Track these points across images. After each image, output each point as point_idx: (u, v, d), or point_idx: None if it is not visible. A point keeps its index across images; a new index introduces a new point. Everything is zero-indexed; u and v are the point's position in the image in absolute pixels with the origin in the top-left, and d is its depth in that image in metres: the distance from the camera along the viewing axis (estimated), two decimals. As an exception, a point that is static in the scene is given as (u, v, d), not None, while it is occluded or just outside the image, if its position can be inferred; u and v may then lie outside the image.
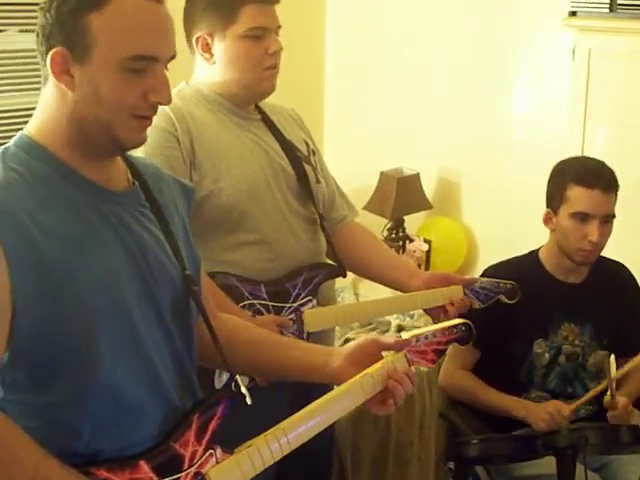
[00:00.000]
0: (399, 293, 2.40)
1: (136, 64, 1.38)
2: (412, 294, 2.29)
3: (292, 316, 2.12)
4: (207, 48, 2.16)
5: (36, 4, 1.46)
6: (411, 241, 3.94)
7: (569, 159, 2.67)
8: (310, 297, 2.17)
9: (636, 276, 2.71)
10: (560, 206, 2.52)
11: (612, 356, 2.40)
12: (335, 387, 1.60)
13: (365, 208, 3.88)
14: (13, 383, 1.35)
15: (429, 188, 4.02)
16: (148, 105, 1.41)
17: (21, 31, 3.38)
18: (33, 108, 1.48)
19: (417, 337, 1.66)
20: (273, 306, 2.12)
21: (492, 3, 3.73)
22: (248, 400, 1.50)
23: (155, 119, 1.46)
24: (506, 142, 3.76)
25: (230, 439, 1.43)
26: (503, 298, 2.32)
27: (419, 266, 3.84)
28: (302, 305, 2.15)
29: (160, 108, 1.45)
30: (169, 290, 1.50)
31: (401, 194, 3.90)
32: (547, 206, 2.58)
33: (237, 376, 1.56)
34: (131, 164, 1.54)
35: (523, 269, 2.59)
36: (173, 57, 1.44)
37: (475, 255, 3.97)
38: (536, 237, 2.67)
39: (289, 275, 2.16)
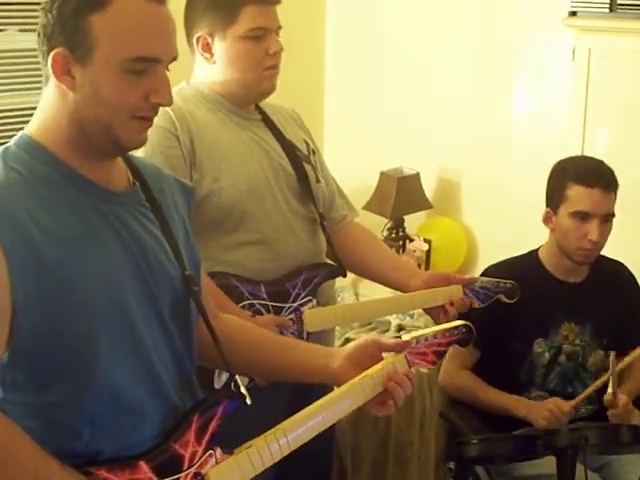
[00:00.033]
0: (399, 293, 2.40)
1: (137, 65, 1.38)
2: (412, 294, 2.29)
3: (292, 316, 2.12)
4: (207, 48, 2.16)
5: (36, 3, 1.46)
6: (411, 241, 3.94)
7: (569, 158, 2.67)
8: (310, 297, 2.17)
9: (636, 275, 2.71)
10: (560, 205, 2.52)
11: (613, 354, 2.40)
12: (335, 388, 1.60)
13: (365, 208, 3.87)
14: (13, 383, 1.35)
15: (429, 188, 4.02)
16: (149, 106, 1.41)
17: (21, 30, 3.37)
18: (33, 108, 1.48)
19: (417, 339, 1.66)
20: (273, 306, 2.11)
21: (492, 3, 3.73)
22: (248, 400, 1.50)
23: (155, 118, 1.46)
24: (506, 142, 3.76)
25: (230, 439, 1.43)
26: (503, 298, 2.32)
27: (419, 266, 3.84)
28: (302, 305, 2.15)
29: (160, 108, 1.45)
30: (169, 290, 1.50)
31: (401, 194, 3.90)
32: (547, 205, 2.59)
33: (236, 376, 1.56)
34: (132, 164, 1.54)
35: (523, 269, 2.59)
36: (175, 58, 1.44)
37: (475, 255, 3.97)
38: (536, 237, 2.67)
39: (289, 275, 2.16)
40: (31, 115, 1.46)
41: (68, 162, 1.42)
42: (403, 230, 4.02)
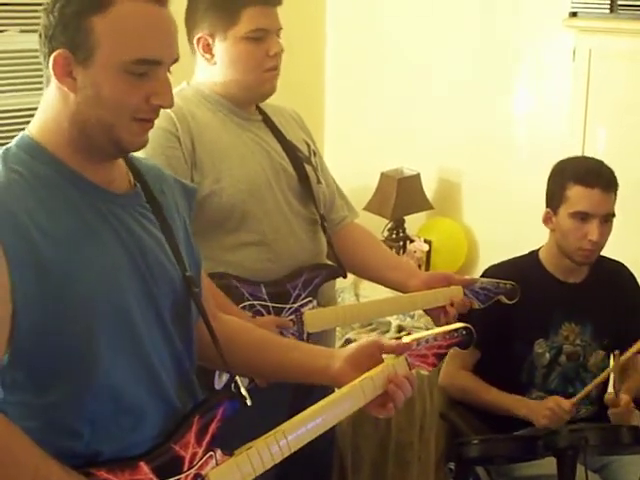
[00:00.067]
0: (399, 294, 2.40)
1: (139, 67, 1.38)
2: (412, 294, 2.29)
3: (292, 317, 2.12)
4: (208, 49, 2.16)
5: (37, 4, 1.46)
6: (411, 241, 3.94)
7: (568, 159, 2.67)
8: (310, 298, 2.17)
9: (636, 275, 2.71)
10: (560, 206, 2.52)
11: (617, 352, 2.40)
12: (335, 389, 1.60)
13: (365, 209, 3.88)
14: (13, 383, 1.36)
15: (429, 188, 4.02)
16: (150, 108, 1.41)
17: (22, 31, 3.38)
18: (34, 108, 1.48)
19: (418, 341, 1.66)
20: (273, 307, 2.11)
21: (493, 4, 3.73)
22: (248, 401, 1.50)
23: (156, 119, 1.46)
24: (507, 142, 3.77)
25: (231, 440, 1.43)
26: (503, 298, 2.33)
27: (419, 266, 3.84)
28: (302, 306, 2.15)
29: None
30: (169, 291, 1.50)
31: (401, 194, 3.90)
32: (547, 206, 2.59)
33: (237, 377, 1.56)
34: (133, 165, 1.54)
35: (523, 269, 2.59)
36: (176, 60, 1.44)
37: (475, 255, 3.97)
38: (536, 237, 2.67)
39: (289, 276, 2.16)
40: (32, 116, 1.47)
41: (69, 163, 1.42)
42: (403, 231, 4.02)
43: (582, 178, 2.49)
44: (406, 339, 1.67)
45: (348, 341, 3.29)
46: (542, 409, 2.43)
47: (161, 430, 1.43)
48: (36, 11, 1.45)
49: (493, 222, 3.83)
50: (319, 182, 2.30)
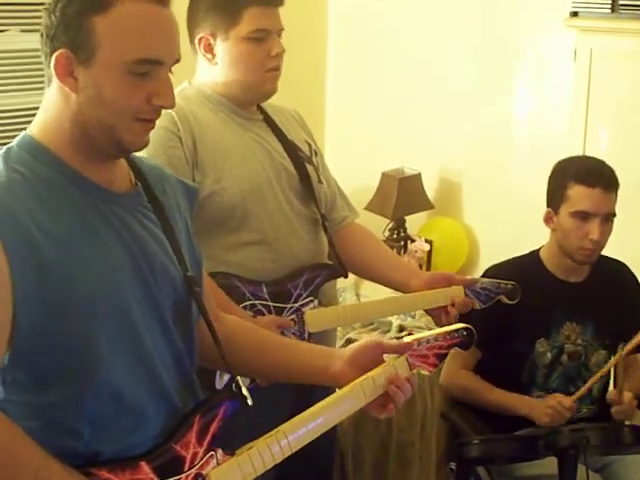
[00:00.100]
0: (400, 294, 2.40)
1: (140, 67, 1.38)
2: (413, 294, 2.29)
3: (293, 316, 2.12)
4: (209, 49, 2.16)
5: (38, 4, 1.46)
6: (412, 241, 3.94)
7: (569, 158, 2.68)
8: (311, 297, 2.17)
9: (637, 275, 2.71)
10: (561, 205, 2.52)
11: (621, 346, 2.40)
12: (336, 390, 1.60)
13: (366, 208, 3.88)
14: (13, 383, 1.36)
15: (430, 188, 4.02)
16: (152, 108, 1.41)
17: (23, 31, 3.37)
18: (35, 108, 1.48)
19: (418, 341, 1.66)
20: (274, 306, 2.11)
21: (493, 3, 3.73)
22: (249, 401, 1.50)
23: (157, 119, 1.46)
24: (507, 142, 3.77)
25: (231, 440, 1.43)
26: (504, 299, 2.33)
27: (420, 266, 3.84)
28: (303, 305, 2.15)
29: (163, 109, 1.45)
30: (170, 291, 1.50)
31: (402, 194, 3.90)
32: (547, 205, 2.59)
33: (238, 377, 1.55)
34: (134, 165, 1.54)
35: (524, 269, 2.60)
36: (177, 61, 1.44)
37: (476, 255, 3.97)
38: (537, 237, 2.67)
39: (290, 275, 2.16)
40: (33, 116, 1.47)
41: (70, 163, 1.42)
42: (404, 230, 4.02)
43: (583, 178, 2.49)
44: (407, 339, 1.67)
45: (349, 341, 3.29)
46: (543, 407, 2.44)
47: (162, 430, 1.43)
48: (37, 11, 1.45)
49: (494, 222, 3.83)
50: (320, 182, 2.30)
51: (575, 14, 3.43)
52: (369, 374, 1.58)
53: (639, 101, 3.26)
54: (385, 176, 3.98)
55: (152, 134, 1.47)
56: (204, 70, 2.20)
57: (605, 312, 2.59)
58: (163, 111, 1.45)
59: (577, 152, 3.29)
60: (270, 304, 2.11)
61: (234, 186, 2.11)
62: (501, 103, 3.77)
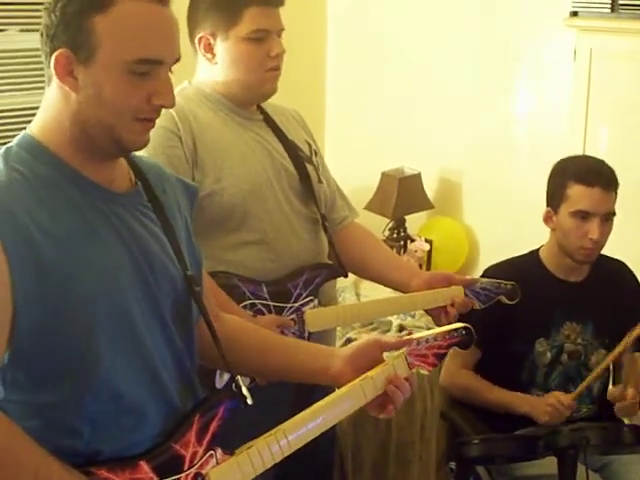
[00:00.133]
0: (400, 293, 2.40)
1: (140, 67, 1.38)
2: (413, 294, 2.29)
3: (293, 316, 2.12)
4: (209, 48, 2.16)
5: (37, 3, 1.47)
6: (412, 241, 3.95)
7: (569, 158, 2.68)
8: (311, 297, 2.17)
9: (637, 274, 2.71)
10: (560, 205, 2.53)
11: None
12: (336, 389, 1.60)
13: (366, 208, 3.88)
14: (13, 383, 1.36)
15: (430, 188, 4.02)
16: (152, 108, 1.41)
17: (22, 30, 3.38)
18: (35, 108, 1.48)
19: (418, 340, 1.66)
20: (274, 306, 2.12)
21: (493, 3, 3.73)
22: (249, 400, 1.50)
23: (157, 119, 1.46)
24: (507, 142, 3.77)
25: (231, 439, 1.43)
26: (504, 299, 2.33)
27: (420, 266, 3.84)
28: (303, 305, 2.15)
29: (162, 108, 1.45)
30: (170, 290, 1.50)
31: (402, 194, 3.90)
32: (547, 205, 2.59)
33: (238, 376, 1.55)
34: (134, 164, 1.54)
35: (524, 268, 2.60)
36: (177, 60, 1.44)
37: (476, 255, 3.97)
38: (537, 236, 2.68)
39: (290, 275, 2.16)
40: (33, 115, 1.47)
41: (70, 163, 1.42)
42: (404, 230, 4.03)
43: (583, 177, 2.49)
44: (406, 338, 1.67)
45: (349, 340, 3.29)
46: (543, 405, 2.44)
47: (162, 430, 1.43)
48: (37, 10, 1.45)
49: (494, 221, 3.83)
50: (320, 182, 2.30)
51: (575, 14, 3.43)
52: (368, 374, 1.58)
53: (639, 101, 3.26)
54: (385, 176, 3.98)
55: (152, 133, 1.47)
56: (204, 70, 2.20)
57: (605, 311, 2.59)
58: (163, 111, 1.45)
59: (577, 152, 3.29)
60: (270, 304, 2.11)
61: (234, 186, 2.11)
62: (501, 103, 3.77)
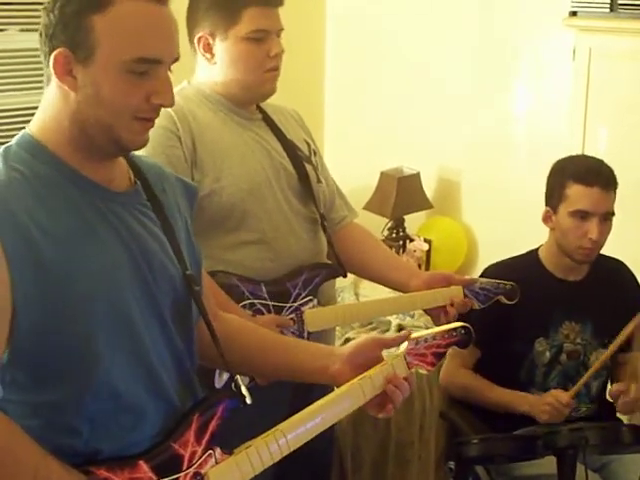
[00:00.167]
0: (399, 293, 2.40)
1: (139, 66, 1.38)
2: (412, 294, 2.29)
3: (292, 316, 2.12)
4: (208, 48, 2.16)
5: (37, 3, 1.47)
6: (411, 241, 3.95)
7: (568, 157, 2.68)
8: (310, 297, 2.17)
9: (636, 274, 2.71)
10: (559, 204, 2.53)
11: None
12: (335, 388, 1.60)
13: (365, 208, 3.88)
14: (13, 382, 1.36)
15: (429, 188, 4.02)
16: (151, 107, 1.41)
17: (22, 30, 3.38)
18: (34, 107, 1.48)
19: (417, 340, 1.66)
20: (274, 306, 2.12)
21: (492, 3, 3.73)
22: (248, 400, 1.50)
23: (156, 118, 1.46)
24: (506, 142, 3.77)
25: (230, 439, 1.43)
26: (503, 299, 2.33)
27: (419, 266, 3.84)
28: (302, 305, 2.15)
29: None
30: (170, 290, 1.50)
31: (401, 194, 3.90)
32: (546, 205, 2.59)
33: (237, 376, 1.55)
34: (133, 163, 1.54)
35: (523, 268, 2.60)
36: (177, 59, 1.44)
37: (475, 255, 3.97)
38: (536, 236, 2.68)
39: (290, 275, 2.16)
40: (32, 115, 1.47)
41: (69, 162, 1.42)
42: (403, 230, 4.03)
43: (582, 177, 2.49)
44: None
45: (348, 340, 3.28)
46: (542, 404, 2.44)
47: (161, 429, 1.43)
48: (36, 10, 1.45)
49: (493, 221, 3.83)
50: (319, 181, 2.30)
51: (574, 14, 3.43)
52: (367, 373, 1.59)
53: (638, 100, 3.26)
54: (384, 175, 3.98)
55: (151, 133, 1.47)
56: (203, 69, 2.20)
57: (604, 311, 2.59)
58: (162, 110, 1.45)
59: (576, 151, 3.29)
60: (269, 303, 2.11)
61: (233, 185, 2.11)
62: (500, 102, 3.77)
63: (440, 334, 1.69)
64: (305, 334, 2.12)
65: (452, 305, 2.24)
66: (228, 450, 1.43)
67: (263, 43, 2.13)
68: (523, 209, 3.46)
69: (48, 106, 1.43)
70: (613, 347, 2.44)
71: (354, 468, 3.17)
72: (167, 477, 1.37)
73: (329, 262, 2.29)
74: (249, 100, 2.22)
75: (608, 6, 3.32)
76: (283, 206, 2.20)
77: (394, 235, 4.01)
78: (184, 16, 2.16)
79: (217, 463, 1.41)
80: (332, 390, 1.60)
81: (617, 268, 2.70)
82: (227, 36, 2.12)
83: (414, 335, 1.67)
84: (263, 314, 2.09)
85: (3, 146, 1.43)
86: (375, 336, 1.68)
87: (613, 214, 2.51)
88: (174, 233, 1.54)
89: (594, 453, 2.37)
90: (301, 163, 2.26)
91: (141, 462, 1.37)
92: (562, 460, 2.25)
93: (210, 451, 1.41)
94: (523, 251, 2.69)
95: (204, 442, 1.41)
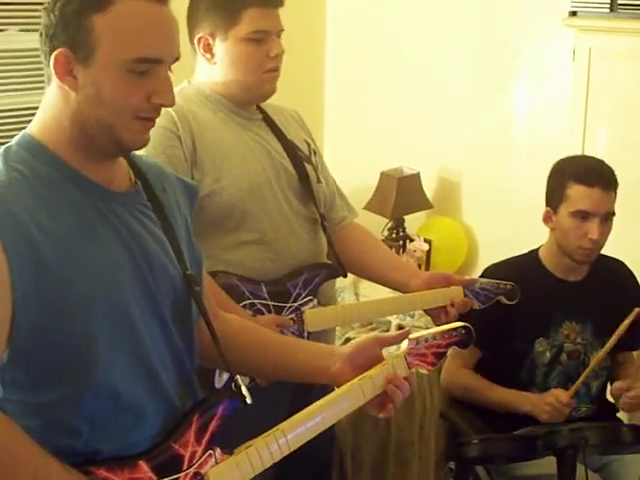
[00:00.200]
0: (399, 293, 2.40)
1: (139, 66, 1.38)
2: (412, 294, 2.29)
3: (293, 316, 2.12)
4: (208, 48, 2.16)
5: (37, 3, 1.46)
6: (411, 241, 3.94)
7: (568, 158, 2.68)
8: (311, 297, 2.17)
9: (636, 273, 2.71)
10: (560, 205, 2.53)
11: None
12: (335, 388, 1.60)
13: (365, 208, 3.88)
14: (12, 382, 1.36)
15: (429, 188, 4.02)
16: (151, 107, 1.41)
17: (22, 30, 3.37)
18: (35, 108, 1.48)
19: (417, 339, 1.66)
20: (274, 306, 2.12)
21: (492, 2, 3.73)
22: (248, 400, 1.50)
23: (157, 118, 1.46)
24: (506, 142, 3.76)
25: (230, 439, 1.43)
26: (503, 299, 2.33)
27: (419, 266, 3.84)
28: (303, 305, 2.15)
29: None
30: (170, 290, 1.50)
31: (401, 194, 3.90)
32: (547, 205, 2.59)
33: (237, 376, 1.55)
34: (134, 163, 1.55)
35: (523, 268, 2.60)
36: (177, 59, 1.44)
37: (475, 255, 3.97)
38: (536, 236, 2.68)
39: (290, 275, 2.16)
40: (33, 115, 1.47)
41: (70, 162, 1.42)
42: (403, 230, 4.02)
43: (582, 177, 2.49)
44: (404, 341, 1.67)
45: (348, 340, 3.28)
46: (542, 404, 2.44)
47: (161, 429, 1.43)
48: (36, 10, 1.45)
49: (493, 221, 3.82)
50: (319, 181, 2.30)
51: (574, 14, 3.42)
52: (368, 373, 1.59)
53: (638, 100, 3.26)
54: (384, 176, 3.98)
55: (151, 133, 1.47)
56: (203, 70, 2.20)
57: (604, 311, 2.59)
58: (162, 110, 1.45)
59: (576, 151, 3.29)
60: (269, 303, 2.11)
61: (233, 185, 2.11)
62: (500, 103, 3.76)
63: (440, 334, 1.69)
64: (305, 334, 2.12)
65: (452, 305, 2.24)
66: (228, 450, 1.43)
67: (263, 44, 2.13)
68: (523, 209, 3.46)
69: (48, 106, 1.43)
70: (610, 344, 2.43)
71: (354, 468, 3.17)
72: (167, 477, 1.37)
73: (329, 262, 2.29)
74: (249, 100, 2.22)
75: (608, 6, 3.32)
76: (283, 206, 2.20)
77: (394, 235, 4.01)
78: (184, 16, 2.16)
79: (217, 463, 1.41)
80: (332, 390, 1.60)
81: (617, 268, 2.70)
82: (227, 37, 2.13)
83: (415, 335, 1.67)
84: (263, 314, 2.09)
85: (3, 146, 1.43)
86: (375, 335, 1.68)
87: (614, 214, 2.52)
88: (174, 233, 1.54)
89: (594, 453, 2.37)
90: (301, 163, 2.26)
91: (141, 462, 1.37)
92: (562, 460, 2.25)
93: (210, 451, 1.41)
94: (523, 251, 2.69)
95: (204, 442, 1.41)
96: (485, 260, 3.09)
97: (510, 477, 2.49)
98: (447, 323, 2.11)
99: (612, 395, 2.53)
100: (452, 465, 2.47)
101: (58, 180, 1.40)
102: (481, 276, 2.54)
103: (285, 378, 1.76)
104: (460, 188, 3.98)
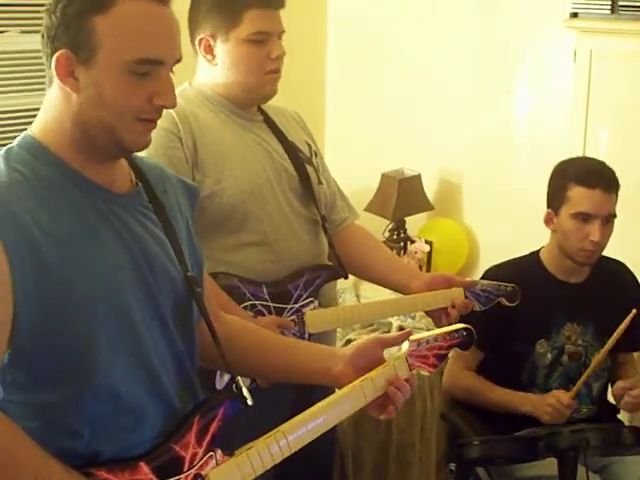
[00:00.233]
0: (400, 295, 2.40)
1: (141, 67, 1.38)
2: (413, 296, 2.29)
3: (294, 317, 2.12)
4: (209, 50, 2.16)
5: (38, 5, 1.47)
6: (412, 242, 3.94)
7: (570, 159, 2.68)
8: (312, 298, 2.17)
9: (637, 275, 2.71)
10: (561, 206, 2.53)
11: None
12: (336, 390, 1.60)
13: (366, 209, 3.88)
14: (13, 383, 1.36)
15: (430, 189, 4.02)
16: (153, 108, 1.41)
17: (22, 32, 3.38)
18: (36, 109, 1.48)
19: (418, 341, 1.66)
20: (275, 307, 2.12)
21: (493, 4, 3.73)
22: (249, 401, 1.50)
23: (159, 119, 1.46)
24: (507, 143, 3.76)
25: (231, 440, 1.43)
26: (504, 301, 2.33)
27: (420, 267, 3.84)
28: (303, 306, 2.15)
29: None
30: (171, 291, 1.50)
31: (402, 195, 3.90)
32: (548, 206, 2.59)
33: (238, 377, 1.55)
34: (135, 165, 1.55)
35: (524, 270, 2.60)
36: (179, 60, 1.44)
37: (476, 256, 3.97)
38: (537, 238, 2.68)
39: (291, 276, 2.16)
40: (33, 116, 1.47)
41: (71, 164, 1.42)
42: (404, 231, 4.02)
43: (583, 179, 2.49)
44: (405, 342, 1.67)
45: (349, 342, 3.29)
46: (544, 405, 2.44)
47: (161, 430, 1.43)
48: (37, 12, 1.45)
49: (494, 223, 3.83)
50: (320, 183, 2.30)
51: (575, 15, 3.42)
52: (369, 374, 1.59)
53: (639, 101, 3.26)
54: (385, 177, 3.98)
55: (152, 135, 1.47)
56: (204, 71, 2.21)
57: (605, 312, 2.59)
58: (164, 112, 1.45)
59: (577, 153, 3.29)
60: (270, 305, 2.11)
61: (234, 187, 2.11)
62: (501, 104, 3.76)
63: (442, 336, 1.69)
64: (306, 335, 2.12)
65: (453, 307, 2.24)
66: (229, 451, 1.43)
67: (264, 45, 2.13)
68: (524, 211, 3.46)
69: (50, 107, 1.43)
70: (609, 345, 2.43)
71: (355, 469, 3.17)
72: (168, 479, 1.37)
73: (330, 263, 2.29)
74: (250, 102, 2.22)
75: (609, 7, 3.32)
76: (284, 208, 2.20)
77: (395, 237, 4.01)
78: (186, 17, 2.16)
79: (218, 464, 1.41)
80: (333, 391, 1.60)
81: (618, 269, 2.70)
82: (228, 38, 2.13)
83: (416, 337, 1.67)
84: (264, 315, 2.09)
85: (5, 147, 1.43)
86: (376, 336, 1.68)
87: (615, 216, 2.51)
88: (175, 235, 1.54)
89: (595, 454, 2.37)
90: (302, 165, 2.26)
91: (142, 464, 1.37)
92: (563, 461, 2.25)
93: (211, 452, 1.41)
94: (524, 253, 2.69)
95: (205, 444, 1.41)
96: (486, 262, 3.09)
97: (511, 478, 2.49)
98: (448, 325, 2.11)
99: (613, 395, 2.53)
100: (453, 466, 2.48)
101: (59, 181, 1.40)
102: (482, 278, 2.54)
103: (286, 379, 1.76)
104: (461, 189, 3.98)
